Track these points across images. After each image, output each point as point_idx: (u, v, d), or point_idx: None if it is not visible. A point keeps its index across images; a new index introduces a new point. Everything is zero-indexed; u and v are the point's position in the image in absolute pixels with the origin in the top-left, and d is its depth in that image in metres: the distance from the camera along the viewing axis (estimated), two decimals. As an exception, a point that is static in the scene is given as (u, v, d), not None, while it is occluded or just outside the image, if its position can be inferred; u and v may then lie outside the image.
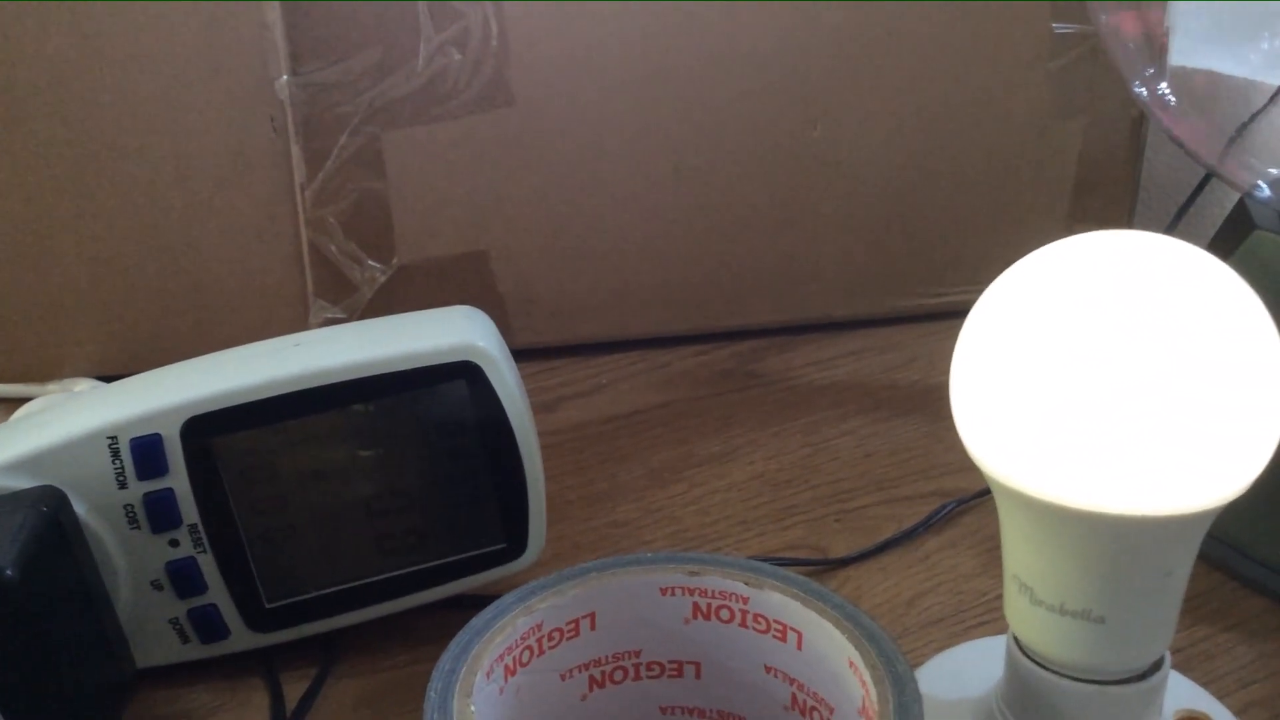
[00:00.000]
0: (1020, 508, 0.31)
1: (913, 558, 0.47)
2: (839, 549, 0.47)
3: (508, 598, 0.35)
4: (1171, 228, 0.64)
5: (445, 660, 0.32)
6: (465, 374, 0.39)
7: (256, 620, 0.40)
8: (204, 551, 0.38)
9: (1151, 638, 0.32)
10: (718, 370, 0.61)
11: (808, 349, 0.63)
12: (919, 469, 0.52)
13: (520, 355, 0.61)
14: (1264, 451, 0.30)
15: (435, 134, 0.55)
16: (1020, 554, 0.32)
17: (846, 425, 0.56)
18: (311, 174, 0.54)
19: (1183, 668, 0.40)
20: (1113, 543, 0.30)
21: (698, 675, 0.37)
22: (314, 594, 0.40)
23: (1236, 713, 0.38)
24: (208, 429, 0.37)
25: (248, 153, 0.54)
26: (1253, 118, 0.50)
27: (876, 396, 0.58)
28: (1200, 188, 0.62)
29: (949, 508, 0.49)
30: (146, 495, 0.37)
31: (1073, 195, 0.64)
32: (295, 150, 0.54)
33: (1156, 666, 0.32)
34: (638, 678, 0.37)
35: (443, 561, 0.41)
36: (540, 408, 0.58)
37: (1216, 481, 0.29)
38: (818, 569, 0.46)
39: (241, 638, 0.40)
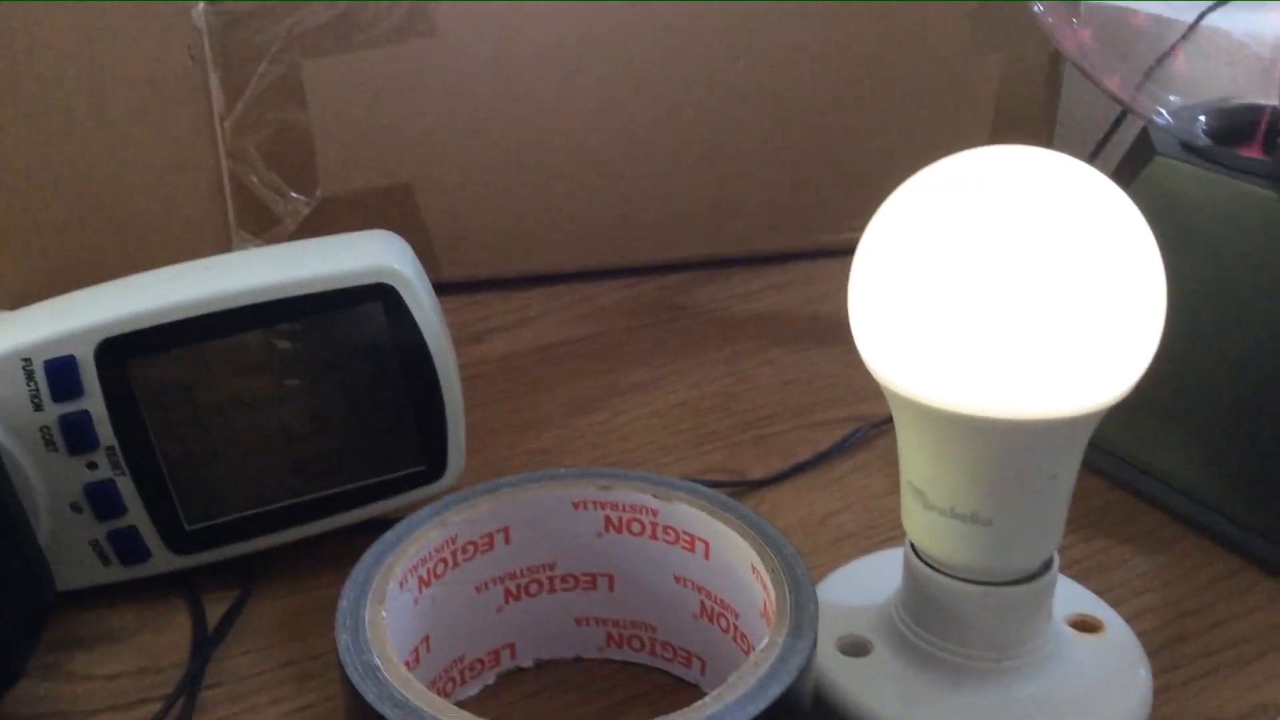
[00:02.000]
0: (913, 414, 0.32)
1: (826, 479, 0.48)
2: (756, 472, 0.48)
3: (422, 512, 0.35)
4: (1090, 162, 0.66)
5: (359, 571, 0.33)
6: (381, 296, 0.39)
7: (177, 542, 0.40)
8: (122, 474, 0.39)
9: (1038, 540, 0.33)
10: (644, 303, 0.62)
11: (732, 282, 0.64)
12: (836, 396, 0.53)
13: (448, 289, 0.62)
14: (1141, 358, 0.31)
15: (356, 63, 0.55)
16: (914, 461, 0.33)
17: (767, 355, 0.57)
18: (230, 104, 0.54)
19: (1081, 578, 0.42)
20: (998, 446, 0.31)
21: (611, 587, 0.38)
22: (234, 516, 0.40)
23: (1129, 618, 0.39)
24: (122, 351, 0.38)
25: (165, 82, 0.53)
26: (1164, 55, 0.51)
27: (798, 328, 0.59)
28: (1117, 123, 0.63)
29: (862, 431, 0.50)
30: (62, 417, 0.38)
31: (991, 130, 0.65)
32: (213, 79, 0.53)
33: (1045, 569, 0.34)
34: (552, 590, 0.38)
35: (362, 484, 0.41)
36: (467, 339, 0.58)
37: (1095, 387, 0.30)
38: (734, 490, 0.47)
39: (162, 559, 0.40)
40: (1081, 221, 0.29)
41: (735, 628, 0.35)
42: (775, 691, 0.29)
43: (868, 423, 0.50)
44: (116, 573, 0.40)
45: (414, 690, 0.29)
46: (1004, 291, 0.29)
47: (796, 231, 0.65)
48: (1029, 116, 0.65)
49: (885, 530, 0.45)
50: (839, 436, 0.50)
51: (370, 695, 0.29)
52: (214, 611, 0.40)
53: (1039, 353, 0.29)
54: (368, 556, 0.34)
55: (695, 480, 0.40)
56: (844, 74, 0.62)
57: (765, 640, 0.31)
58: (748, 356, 0.57)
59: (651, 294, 0.63)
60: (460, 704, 0.32)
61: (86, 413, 0.38)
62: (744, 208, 0.64)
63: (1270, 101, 0.46)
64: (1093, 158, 0.66)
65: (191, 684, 0.37)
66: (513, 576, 0.37)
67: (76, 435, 0.38)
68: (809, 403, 0.53)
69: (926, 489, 0.33)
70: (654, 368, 0.56)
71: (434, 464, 0.42)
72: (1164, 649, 0.39)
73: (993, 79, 0.64)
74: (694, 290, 0.63)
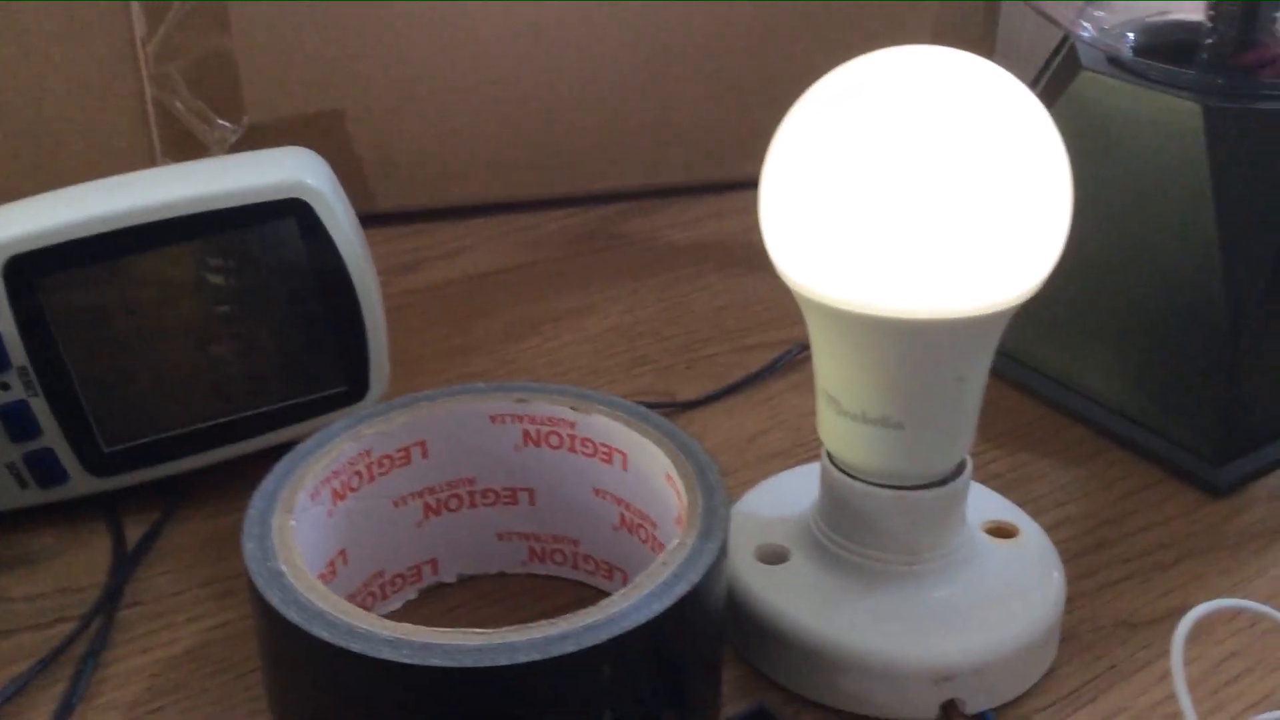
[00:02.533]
0: (824, 319, 0.32)
1: (757, 399, 0.48)
2: (687, 394, 0.48)
3: (335, 425, 0.35)
4: (1035, 91, 0.66)
5: (268, 482, 0.33)
6: (295, 212, 0.39)
7: (95, 464, 0.40)
8: (35, 395, 0.38)
9: (949, 444, 0.33)
10: (582, 232, 0.62)
11: (671, 211, 0.64)
12: (769, 319, 0.53)
13: (381, 219, 0.61)
14: (1045, 259, 0.31)
15: (280, -15, 0.54)
16: (827, 367, 0.33)
17: (703, 281, 0.57)
18: (152, 28, 0.53)
19: (1004, 490, 0.42)
20: (906, 348, 0.31)
21: (531, 501, 0.38)
22: (153, 438, 0.40)
23: (1049, 528, 0.40)
24: (31, 268, 0.37)
25: (85, 6, 0.52)
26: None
27: (734, 255, 0.59)
28: (1058, 50, 0.63)
29: (793, 352, 0.50)
30: (-30, 338, 0.37)
31: (930, 57, 0.65)
32: (135, 4, 0.52)
33: (957, 473, 0.34)
34: (473, 505, 0.38)
35: (283, 405, 0.41)
36: (400, 268, 0.58)
37: (999, 286, 0.30)
38: (665, 411, 0.47)
39: (81, 482, 0.40)
40: (984, 120, 0.29)
41: (653, 538, 0.35)
42: (681, 590, 0.29)
43: (799, 344, 0.51)
44: (34, 495, 0.40)
45: (319, 594, 0.29)
46: (906, 191, 0.29)
47: (735, 161, 0.65)
48: (967, 44, 0.65)
49: (812, 447, 0.45)
50: (771, 359, 0.50)
51: (275, 600, 0.28)
52: (135, 533, 0.40)
53: (942, 252, 0.29)
54: (278, 468, 0.33)
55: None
56: (783, 4, 0.61)
57: (675, 542, 0.31)
58: (684, 283, 0.57)
59: (590, 223, 0.63)
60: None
61: (-4, 332, 0.37)
62: (683, 137, 0.63)
63: (1194, 17, 0.46)
64: (1034, 85, 0.66)
65: (110, 602, 0.37)
66: (431, 491, 0.37)
67: (-14, 355, 0.37)
68: (743, 326, 0.53)
69: (839, 395, 0.33)
70: (589, 294, 0.56)
71: (356, 385, 0.42)
72: (1082, 556, 0.39)
73: (931, 8, 0.64)
74: (632, 219, 0.63)
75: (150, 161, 0.55)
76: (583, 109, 0.61)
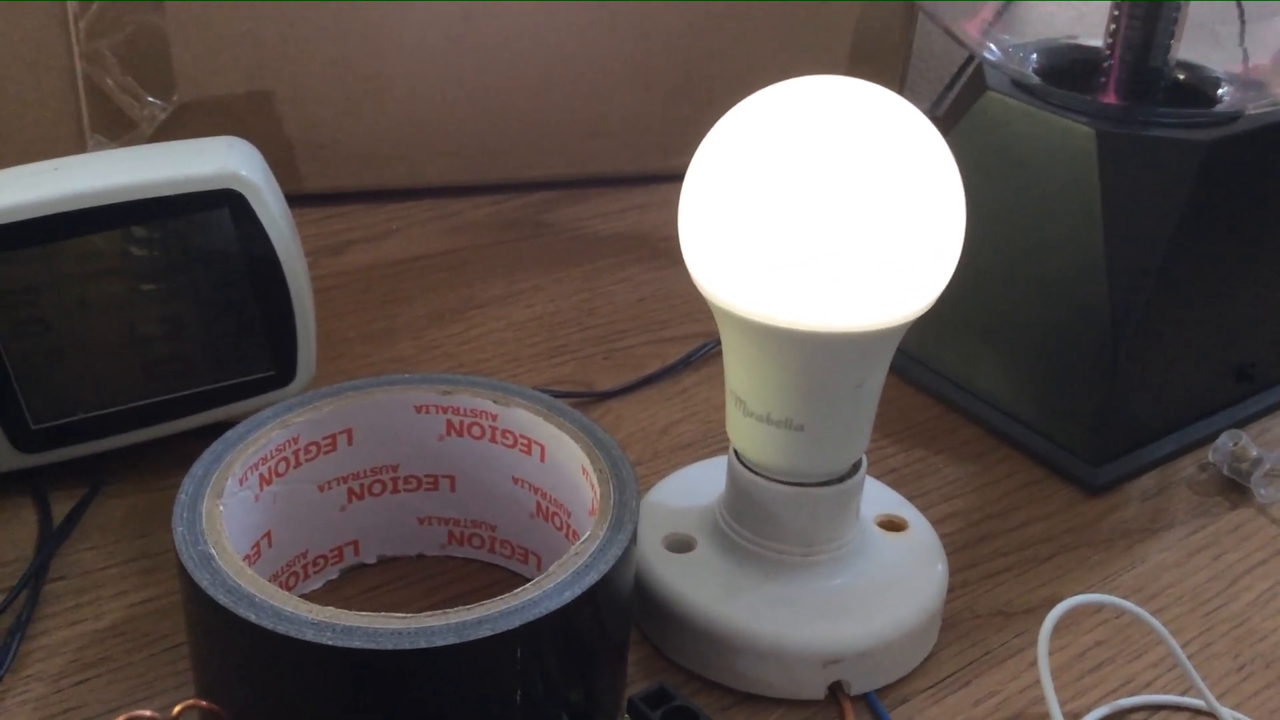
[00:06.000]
0: (734, 326, 0.34)
1: (671, 391, 0.50)
2: (604, 384, 0.50)
3: (264, 413, 0.36)
4: (938, 103, 0.68)
5: (198, 467, 0.34)
6: (229, 202, 0.40)
7: (23, 441, 0.40)
8: (-36, 372, 0.39)
9: (846, 444, 0.36)
10: (507, 220, 0.63)
11: (597, 202, 0.65)
12: (687, 313, 0.55)
13: (309, 200, 0.62)
14: (938, 278, 0.34)
15: (213, -33, 0.54)
16: (736, 371, 0.35)
17: (625, 273, 0.59)
18: (85, 4, 0.53)
19: (897, 484, 0.45)
20: (808, 356, 0.33)
21: (452, 488, 0.39)
22: (81, 416, 0.41)
23: (937, 521, 0.43)
24: (-38, 249, 0.38)
25: (14, -22, 0.52)
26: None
27: (657, 248, 0.61)
28: (967, 63, 0.66)
29: (709, 347, 0.52)
30: (-100, 315, 0.38)
31: (849, 62, 0.67)
32: (66, -22, 0.52)
33: (852, 472, 0.37)
34: (396, 490, 0.39)
35: (211, 387, 0.42)
36: (327, 251, 0.59)
37: (895, 303, 0.33)
38: (581, 401, 0.49)
39: (8, 457, 0.41)
40: (884, 150, 0.32)
41: (568, 526, 0.37)
42: (592, 579, 0.31)
43: (714, 339, 0.53)
44: (-40, 471, 0.41)
45: (247, 578, 0.30)
46: (809, 213, 0.31)
47: (659, 154, 0.66)
48: (884, 50, 0.68)
49: (722, 439, 0.47)
50: (687, 352, 0.52)
51: (204, 582, 0.30)
52: (62, 509, 0.41)
53: (843, 271, 0.31)
54: (208, 454, 0.35)
55: (545, 390, 0.41)
56: (709, 4, 0.63)
57: (587, 533, 0.33)
58: (606, 273, 0.59)
59: (515, 211, 0.64)
60: (304, 598, 0.33)
61: (-74, 310, 0.38)
62: (608, 129, 0.65)
63: (1095, 42, 0.49)
64: (944, 93, 0.69)
65: (35, 577, 0.38)
66: (356, 477, 0.38)
67: (-85, 333, 0.38)
68: (662, 319, 0.55)
69: (746, 397, 0.35)
70: (512, 282, 0.57)
71: (284, 369, 0.43)
72: (966, 548, 0.42)
73: (852, 13, 0.66)
74: (557, 209, 0.64)
75: (79, 136, 0.55)
76: (512, 98, 0.63)
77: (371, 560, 0.40)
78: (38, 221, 0.38)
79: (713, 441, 0.47)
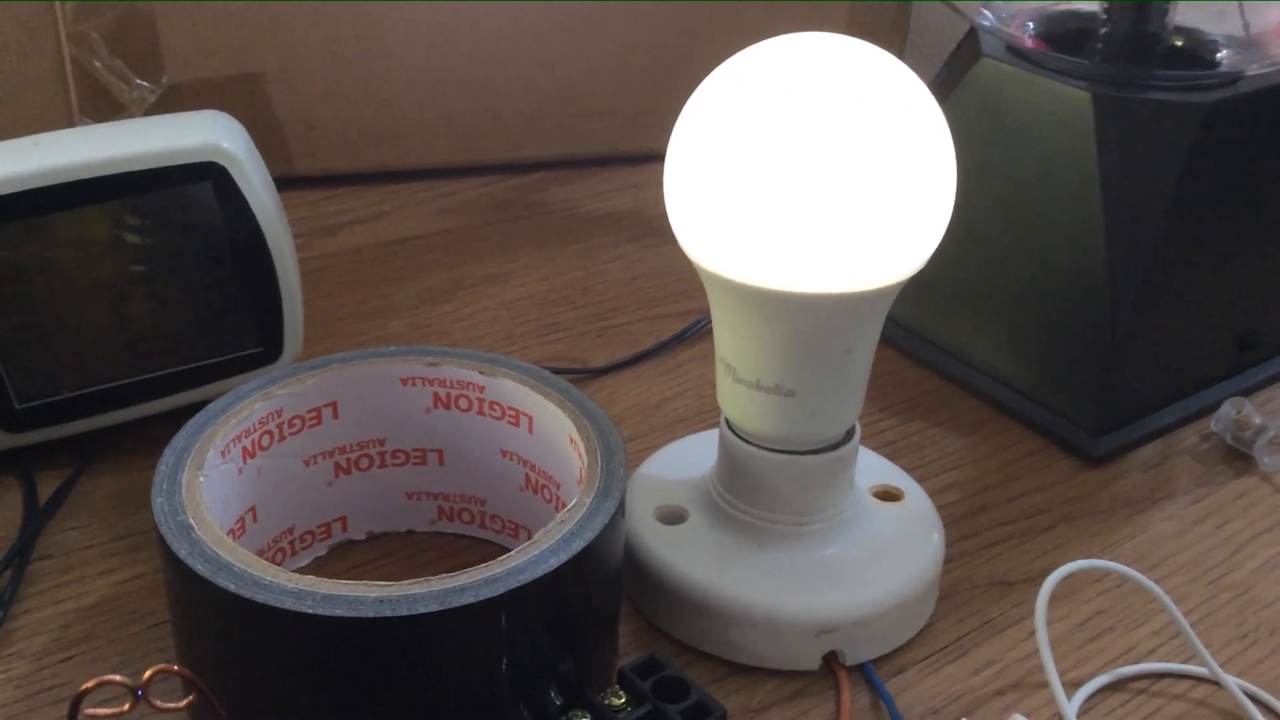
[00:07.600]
0: (723, 292, 0.34)
1: (666, 367, 0.49)
2: (598, 360, 0.50)
3: (248, 385, 0.36)
4: (938, 78, 0.67)
5: (178, 439, 0.34)
6: (210, 175, 0.39)
7: (7, 420, 0.40)
8: (-54, 351, 0.39)
9: (838, 411, 0.35)
10: (501, 200, 0.63)
11: (590, 181, 0.65)
12: (681, 289, 0.55)
13: (301, 182, 0.61)
14: (928, 240, 0.33)
15: (199, -54, 0.54)
16: (725, 338, 0.35)
17: (619, 251, 0.58)
18: (69, -16, 0.52)
19: (895, 456, 0.44)
20: (798, 321, 0.33)
21: (440, 462, 0.39)
22: (67, 395, 0.41)
23: (935, 492, 0.42)
24: (-59, 225, 0.37)
25: (-2, -41, 0.52)
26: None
27: (651, 225, 0.61)
28: (969, 35, 0.65)
29: (703, 323, 0.52)
30: (-120, 292, 0.37)
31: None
32: (51, -41, 0.52)
33: (845, 439, 0.36)
34: (383, 465, 0.39)
35: (198, 364, 0.42)
36: (320, 232, 0.58)
37: (884, 265, 0.32)
38: (576, 377, 0.48)
39: (-8, 438, 0.40)
40: (872, 107, 0.31)
41: (557, 498, 0.37)
42: (577, 546, 0.30)
43: (708, 315, 0.52)
44: (-55, 451, 0.40)
45: (226, 547, 0.30)
46: (796, 174, 0.31)
47: (651, 133, 0.66)
48: (881, 24, 0.67)
49: (716, 414, 0.46)
50: (680, 328, 0.52)
51: (182, 552, 0.29)
52: (47, 489, 0.41)
53: (830, 233, 0.31)
54: (189, 426, 0.34)
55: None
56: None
57: (574, 500, 0.32)
58: (600, 252, 0.58)
59: (509, 192, 0.63)
60: (282, 567, 0.33)
61: (-94, 288, 0.37)
62: (602, 108, 0.64)
63: (1092, 7, 0.48)
64: (945, 67, 0.68)
65: (20, 555, 0.37)
66: (342, 451, 0.38)
67: (-104, 310, 0.37)
68: (656, 296, 0.54)
69: (736, 363, 0.35)
70: (506, 261, 0.57)
71: (270, 346, 0.42)
72: (964, 519, 0.42)
73: (848, -15, 0.65)
74: (551, 189, 0.64)
75: (67, 120, 0.55)
76: (505, 78, 0.62)
77: (360, 536, 0.39)
78: (18, 196, 0.38)
79: (707, 417, 0.46)
